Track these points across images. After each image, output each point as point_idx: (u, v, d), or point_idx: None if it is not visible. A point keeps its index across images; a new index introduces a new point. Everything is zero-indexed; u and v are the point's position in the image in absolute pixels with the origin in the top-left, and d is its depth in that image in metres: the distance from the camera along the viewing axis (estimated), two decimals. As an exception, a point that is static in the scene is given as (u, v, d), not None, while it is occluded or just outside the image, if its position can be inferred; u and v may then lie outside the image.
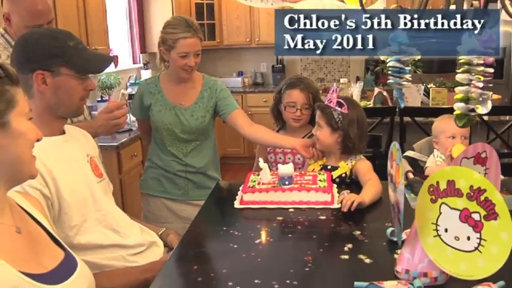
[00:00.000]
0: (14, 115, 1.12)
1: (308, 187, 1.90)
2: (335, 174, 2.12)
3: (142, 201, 2.53)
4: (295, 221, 1.75)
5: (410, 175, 2.14)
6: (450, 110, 3.44)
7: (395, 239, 1.52)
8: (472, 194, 1.12)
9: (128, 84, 4.86)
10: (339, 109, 2.09)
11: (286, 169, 1.92)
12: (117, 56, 4.52)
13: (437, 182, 1.20)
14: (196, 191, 2.42)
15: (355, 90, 4.29)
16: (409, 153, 2.42)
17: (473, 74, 1.41)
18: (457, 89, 1.45)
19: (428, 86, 3.98)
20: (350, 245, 1.53)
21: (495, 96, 3.75)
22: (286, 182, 1.91)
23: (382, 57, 4.48)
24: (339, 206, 1.85)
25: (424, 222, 1.25)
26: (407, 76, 1.41)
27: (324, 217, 1.79)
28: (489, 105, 1.39)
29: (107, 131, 1.95)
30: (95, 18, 3.78)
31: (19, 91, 1.15)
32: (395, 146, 1.29)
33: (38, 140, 1.19)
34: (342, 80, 4.88)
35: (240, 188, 2.10)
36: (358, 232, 1.64)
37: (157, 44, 2.34)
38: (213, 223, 1.82)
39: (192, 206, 2.39)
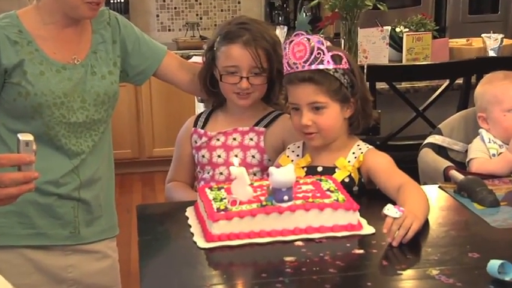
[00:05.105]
0: None
1: (320, 203, 1.32)
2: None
3: None
4: (318, 262, 1.21)
5: (457, 174, 1.60)
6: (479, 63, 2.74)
7: (507, 279, 1.07)
8: None
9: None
10: (339, 66, 1.50)
11: (284, 174, 1.31)
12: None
13: None
14: (88, 229, 1.63)
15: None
16: (433, 138, 1.84)
17: None
18: None
19: (397, 29, 3.35)
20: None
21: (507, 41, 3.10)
22: (285, 197, 1.31)
23: None
24: (371, 231, 1.31)
25: None
26: None
27: (361, 250, 1.26)
28: None
29: None
30: None
31: None
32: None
33: None
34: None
35: (187, 213, 1.46)
36: (434, 271, 1.13)
37: None
38: (183, 280, 1.19)
39: (85, 256, 1.62)
